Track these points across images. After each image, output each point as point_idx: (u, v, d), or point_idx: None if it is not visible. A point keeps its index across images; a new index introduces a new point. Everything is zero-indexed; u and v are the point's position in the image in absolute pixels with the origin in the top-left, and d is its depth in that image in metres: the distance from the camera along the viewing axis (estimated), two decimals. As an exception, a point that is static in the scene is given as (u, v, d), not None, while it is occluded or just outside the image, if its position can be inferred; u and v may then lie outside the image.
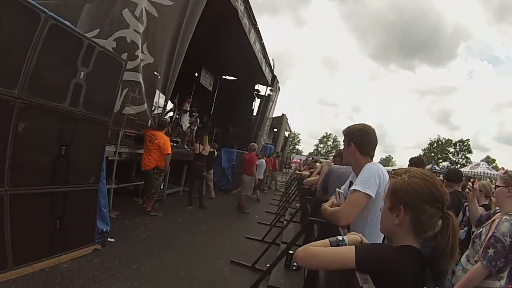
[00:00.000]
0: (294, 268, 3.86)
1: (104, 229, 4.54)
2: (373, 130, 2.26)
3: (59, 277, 3.45)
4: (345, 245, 1.36)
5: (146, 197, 6.91)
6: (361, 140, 2.23)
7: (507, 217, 2.33)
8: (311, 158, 15.05)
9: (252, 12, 10.01)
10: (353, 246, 1.24)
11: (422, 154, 52.27)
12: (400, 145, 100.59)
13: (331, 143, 65.98)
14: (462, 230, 3.57)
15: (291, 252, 3.68)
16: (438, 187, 1.24)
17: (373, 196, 2.00)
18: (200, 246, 5.56)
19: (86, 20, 4.44)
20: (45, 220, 3.59)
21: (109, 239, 4.68)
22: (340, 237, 1.41)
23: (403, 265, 1.15)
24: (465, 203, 3.50)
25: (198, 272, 4.43)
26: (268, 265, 3.52)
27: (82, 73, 3.63)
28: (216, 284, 4.22)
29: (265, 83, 15.88)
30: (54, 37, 3.17)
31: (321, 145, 66.91)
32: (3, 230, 3.05)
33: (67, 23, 3.43)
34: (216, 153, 10.10)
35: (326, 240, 1.41)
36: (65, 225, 3.79)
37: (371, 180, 2.03)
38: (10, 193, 3.09)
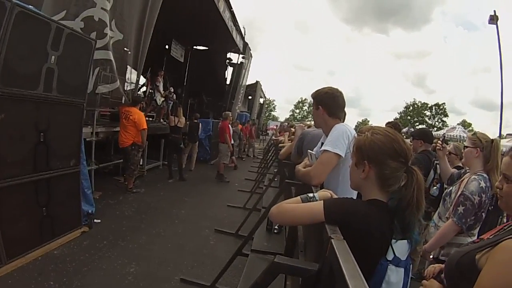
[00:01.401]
0: (275, 231, 3.95)
1: (90, 211, 4.63)
2: (340, 92, 2.33)
3: (52, 264, 3.53)
4: (315, 201, 1.42)
5: (127, 175, 6.96)
6: (328, 102, 2.30)
7: (475, 177, 2.45)
8: (286, 124, 15.29)
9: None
10: (322, 201, 1.31)
11: (398, 117, 53.57)
12: (376, 108, 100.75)
13: (306, 108, 65.77)
14: (435, 187, 3.69)
15: (270, 215, 3.83)
16: (400, 142, 1.29)
17: (343, 155, 2.07)
18: (184, 217, 5.75)
19: (50, 3, 4.28)
20: (32, 209, 3.61)
21: (95, 220, 4.77)
22: (310, 194, 1.47)
23: (370, 216, 1.20)
24: (436, 162, 3.59)
25: (185, 243, 4.62)
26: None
27: (53, 57, 3.57)
28: (203, 252, 4.42)
29: (237, 51, 15.73)
30: (21, 24, 3.10)
31: (297, 110, 67.02)
32: (-7, 226, 3.05)
33: (33, 8, 3.34)
34: (200, 124, 10.07)
35: (298, 198, 1.47)
36: (52, 212, 3.83)
37: (340, 140, 2.09)
38: (-5, 187, 3.07)
